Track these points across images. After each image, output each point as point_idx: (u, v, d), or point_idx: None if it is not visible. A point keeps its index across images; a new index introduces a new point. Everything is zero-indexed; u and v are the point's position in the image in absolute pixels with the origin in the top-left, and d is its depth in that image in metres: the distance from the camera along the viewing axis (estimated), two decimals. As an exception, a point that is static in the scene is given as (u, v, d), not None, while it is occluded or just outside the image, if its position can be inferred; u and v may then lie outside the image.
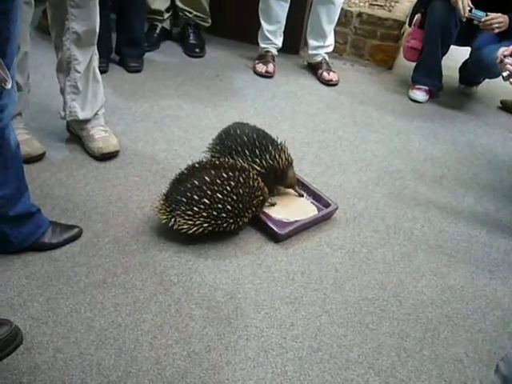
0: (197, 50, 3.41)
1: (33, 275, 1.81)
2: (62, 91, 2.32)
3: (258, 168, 2.11)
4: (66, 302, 1.73)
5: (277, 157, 2.14)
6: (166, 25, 3.45)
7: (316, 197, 2.26)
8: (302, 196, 2.27)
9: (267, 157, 2.13)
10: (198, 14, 3.40)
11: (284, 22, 3.24)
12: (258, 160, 2.13)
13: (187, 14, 3.39)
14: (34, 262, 1.85)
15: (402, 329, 1.80)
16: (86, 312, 1.71)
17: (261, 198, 2.03)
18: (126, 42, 3.11)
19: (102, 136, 2.37)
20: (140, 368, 1.57)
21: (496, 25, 2.82)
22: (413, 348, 1.74)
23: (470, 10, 2.82)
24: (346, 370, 1.64)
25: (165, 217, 1.96)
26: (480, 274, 2.06)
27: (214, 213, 1.92)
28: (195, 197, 1.91)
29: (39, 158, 2.30)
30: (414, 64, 3.27)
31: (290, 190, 2.27)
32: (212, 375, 1.58)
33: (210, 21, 3.47)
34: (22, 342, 1.57)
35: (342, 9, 3.30)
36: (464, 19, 2.85)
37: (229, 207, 1.93)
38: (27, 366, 1.53)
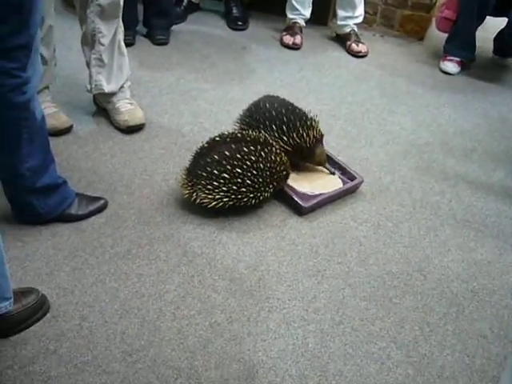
0: (239, 23, 3.39)
1: (60, 245, 1.84)
2: (88, 64, 2.33)
3: (285, 146, 2.09)
4: (92, 272, 1.77)
5: (304, 135, 2.10)
6: (194, -2, 3.43)
7: (341, 170, 2.24)
8: (334, 174, 2.22)
9: (294, 135, 2.10)
10: None
11: (313, -8, 3.19)
12: (285, 137, 2.10)
13: None
14: (60, 232, 1.89)
15: (426, 303, 1.79)
16: (111, 282, 1.74)
17: (283, 172, 2.02)
18: (154, 13, 3.09)
19: (127, 109, 2.38)
20: (163, 337, 1.59)
21: None
22: (436, 323, 1.73)
23: None
24: (367, 344, 1.64)
25: (187, 191, 1.97)
26: (508, 250, 2.02)
27: (234, 187, 1.92)
28: (215, 171, 1.91)
29: (66, 131, 2.33)
30: (446, 35, 3.17)
31: (321, 168, 2.24)
32: (233, 346, 1.59)
33: None
34: (48, 310, 1.63)
35: (373, -22, 3.22)
36: None
37: (248, 182, 1.92)
38: (54, 333, 1.57)
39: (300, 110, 2.19)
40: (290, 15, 3.25)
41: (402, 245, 2.00)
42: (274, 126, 2.12)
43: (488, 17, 3.06)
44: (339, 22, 3.26)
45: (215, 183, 1.91)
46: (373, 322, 1.71)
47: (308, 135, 2.12)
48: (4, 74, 1.52)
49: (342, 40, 3.30)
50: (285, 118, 2.13)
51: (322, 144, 2.20)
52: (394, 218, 2.10)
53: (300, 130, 2.11)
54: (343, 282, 1.83)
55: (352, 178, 2.20)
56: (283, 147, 2.08)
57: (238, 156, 1.92)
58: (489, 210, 2.19)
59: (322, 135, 2.19)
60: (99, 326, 1.61)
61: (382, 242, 2.00)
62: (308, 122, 2.14)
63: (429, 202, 2.20)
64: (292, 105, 2.21)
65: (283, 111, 2.14)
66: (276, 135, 2.10)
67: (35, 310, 1.58)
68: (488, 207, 2.20)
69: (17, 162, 1.71)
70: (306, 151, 2.15)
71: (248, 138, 1.99)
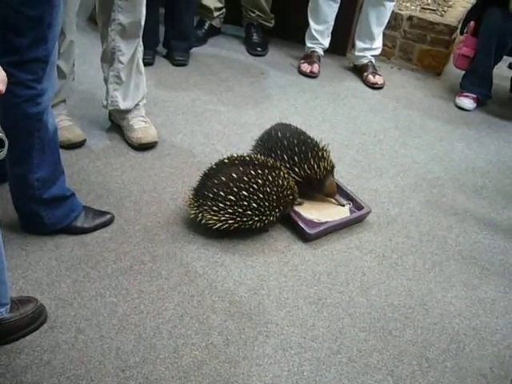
0: (258, 49, 3.43)
1: (63, 257, 1.85)
2: (106, 80, 2.37)
3: (296, 177, 2.09)
4: (92, 286, 1.77)
5: (315, 167, 2.10)
6: (215, 23, 3.46)
7: (350, 199, 2.24)
8: (343, 206, 2.21)
9: (305, 166, 2.10)
10: (260, 14, 3.42)
11: (332, 23, 3.21)
12: (296, 168, 2.11)
13: (250, 13, 3.42)
14: (65, 244, 1.90)
15: (426, 338, 1.76)
16: (111, 297, 1.74)
17: (290, 197, 2.02)
18: (174, 36, 3.14)
19: (141, 126, 2.41)
20: (157, 355, 1.59)
21: None
22: (435, 358, 1.70)
23: None
24: (363, 375, 1.62)
25: (193, 211, 1.98)
26: (513, 289, 2.00)
27: (240, 210, 1.92)
28: (221, 193, 1.92)
29: (80, 144, 2.36)
30: (463, 72, 3.18)
31: (331, 199, 2.22)
32: (228, 368, 1.58)
33: (273, 22, 3.49)
34: (46, 320, 1.63)
35: (393, 12, 3.24)
36: None
37: (254, 205, 1.93)
38: (49, 344, 1.57)
39: (312, 139, 2.20)
40: (308, 44, 3.29)
41: (406, 277, 1.98)
42: (285, 157, 2.12)
43: (506, 57, 3.09)
44: (357, 53, 3.29)
45: (221, 205, 1.92)
46: (371, 353, 1.69)
47: (319, 167, 2.11)
48: (19, 84, 1.55)
49: (359, 71, 3.32)
50: (296, 149, 2.13)
51: (333, 175, 2.20)
52: (400, 250, 2.09)
53: (311, 161, 2.11)
54: (343, 312, 1.81)
55: (360, 207, 2.19)
56: (294, 178, 2.08)
57: (245, 179, 1.93)
58: (496, 248, 2.16)
59: (333, 167, 2.18)
60: (95, 339, 1.61)
61: (385, 273, 1.98)
62: (319, 153, 2.14)
63: (435, 237, 2.18)
64: (304, 134, 2.22)
65: (295, 141, 2.15)
66: (287, 166, 2.10)
67: (32, 319, 1.58)
68: (495, 245, 2.18)
69: (27, 172, 1.74)
70: (316, 182, 2.15)
71: (256, 162, 2.00)
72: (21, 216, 1.88)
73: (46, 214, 1.85)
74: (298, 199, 2.12)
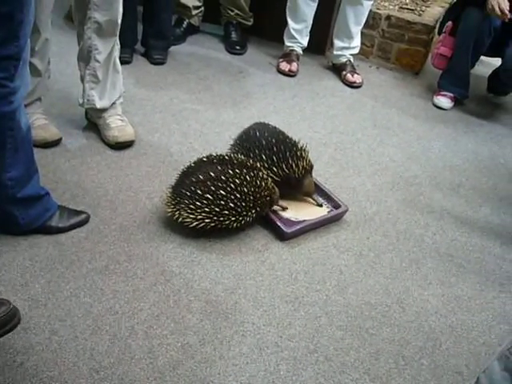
0: (237, 47, 3.43)
1: (37, 257, 1.83)
2: (82, 79, 2.34)
3: (274, 176, 2.09)
4: (67, 286, 1.75)
5: (293, 166, 2.10)
6: (194, 21, 3.45)
7: (327, 197, 2.24)
8: (321, 206, 2.21)
9: (283, 166, 2.10)
10: (239, 12, 3.41)
11: (311, 22, 3.21)
12: (274, 168, 2.10)
13: (229, 12, 3.42)
14: (39, 244, 1.87)
15: (403, 336, 1.77)
16: (86, 297, 1.72)
17: (267, 198, 2.01)
18: (152, 34, 3.12)
19: (118, 125, 2.38)
20: (133, 356, 1.57)
21: None
22: (412, 356, 1.71)
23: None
24: (340, 374, 1.62)
25: (170, 209, 1.96)
26: (489, 286, 2.01)
27: (216, 209, 1.91)
28: (198, 191, 1.91)
29: (55, 143, 2.33)
30: (441, 71, 3.20)
31: (309, 199, 2.22)
32: (204, 368, 1.57)
33: (251, 20, 3.49)
34: (19, 322, 1.58)
35: (371, 11, 3.26)
36: (507, 20, 2.77)
37: (231, 205, 1.92)
38: (22, 346, 1.55)
39: (290, 139, 2.19)
40: (287, 43, 3.29)
41: (383, 276, 1.98)
42: (263, 156, 2.12)
43: (482, 57, 3.11)
44: (335, 52, 3.29)
45: (198, 203, 1.91)
46: (347, 352, 1.69)
47: (297, 166, 2.11)
48: (-9, 83, 1.53)
49: (337, 70, 3.33)
50: (275, 148, 2.12)
51: (311, 175, 2.20)
52: (377, 249, 2.10)
53: (289, 160, 2.11)
54: (320, 310, 1.81)
55: (337, 206, 2.19)
56: (272, 177, 2.07)
57: (223, 178, 1.92)
58: (472, 246, 2.18)
59: (311, 166, 2.18)
60: (69, 340, 1.59)
61: (362, 271, 1.99)
62: (298, 153, 2.13)
63: (413, 235, 2.19)
64: (282, 134, 2.21)
65: (273, 141, 2.14)
66: (265, 165, 2.10)
67: (4, 322, 1.53)
68: (472, 243, 2.20)
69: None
70: (295, 182, 2.14)
71: (235, 161, 1.99)
72: (-6, 216, 1.86)
73: (20, 213, 1.82)
74: (282, 204, 2.12)
